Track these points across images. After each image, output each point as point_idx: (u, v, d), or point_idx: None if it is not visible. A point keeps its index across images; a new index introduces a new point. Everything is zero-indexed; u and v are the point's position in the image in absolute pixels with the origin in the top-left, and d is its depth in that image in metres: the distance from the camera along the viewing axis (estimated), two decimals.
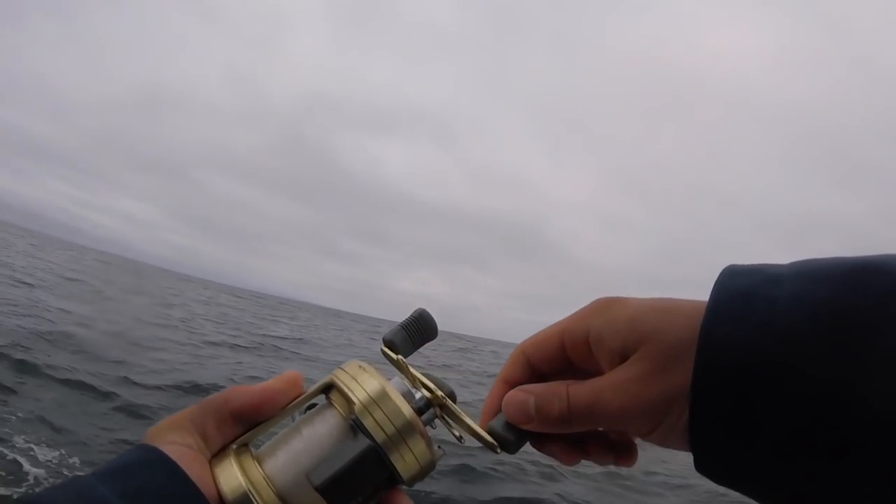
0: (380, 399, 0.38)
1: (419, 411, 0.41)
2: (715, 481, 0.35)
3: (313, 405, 0.41)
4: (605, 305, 0.40)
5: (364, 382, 0.38)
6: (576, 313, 0.41)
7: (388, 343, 0.45)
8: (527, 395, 0.40)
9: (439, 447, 0.40)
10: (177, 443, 0.36)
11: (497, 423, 0.41)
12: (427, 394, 0.42)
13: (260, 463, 0.37)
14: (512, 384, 0.42)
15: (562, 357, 0.41)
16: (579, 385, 0.39)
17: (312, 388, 0.40)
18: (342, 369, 0.40)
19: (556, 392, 0.39)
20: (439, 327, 0.47)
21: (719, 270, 0.36)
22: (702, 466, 0.35)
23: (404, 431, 0.37)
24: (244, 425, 0.39)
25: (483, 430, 0.41)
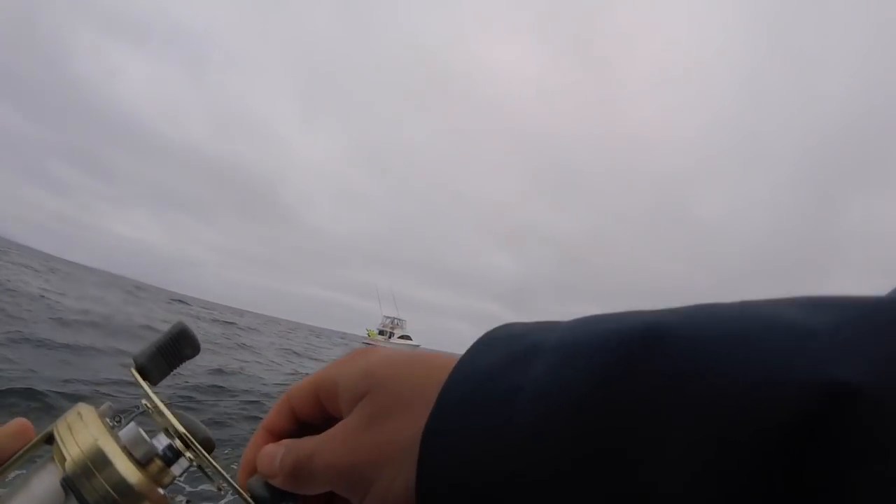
0: (94, 459, 0.33)
1: (166, 461, 0.36)
2: None
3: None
4: (353, 355, 0.37)
5: (78, 436, 0.34)
6: (332, 363, 0.38)
7: (140, 369, 0.39)
8: (278, 447, 0.36)
9: (188, 501, 0.37)
10: None
11: (256, 480, 0.37)
12: (177, 443, 0.36)
13: None
14: (273, 433, 0.39)
15: (319, 408, 0.38)
16: (309, 440, 0.35)
17: (34, 439, 0.36)
18: (64, 418, 0.36)
19: (297, 445, 0.35)
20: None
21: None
22: None
23: (125, 497, 0.33)
24: None
25: (241, 486, 0.37)
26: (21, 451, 0.36)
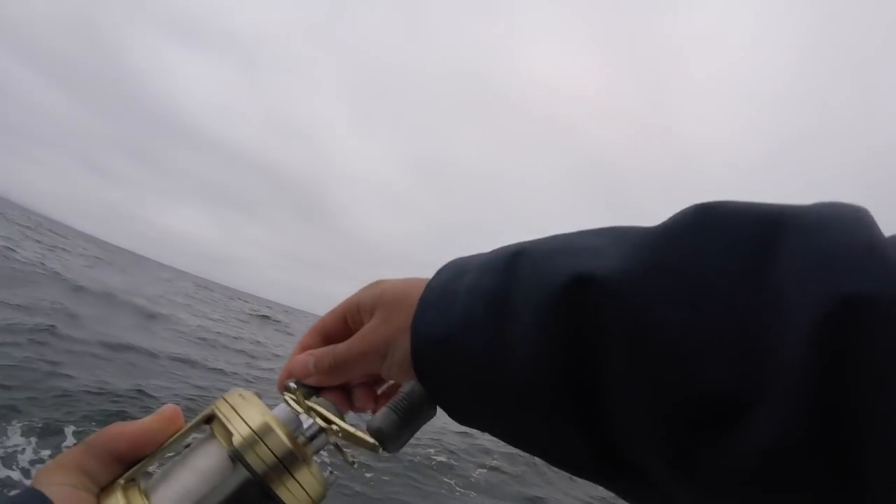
0: (261, 431, 0.38)
1: (309, 438, 0.42)
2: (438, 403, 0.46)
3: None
4: (373, 283, 0.52)
5: (244, 413, 0.39)
6: (356, 291, 0.52)
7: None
8: (308, 355, 0.51)
9: (331, 472, 0.41)
10: (62, 483, 0.36)
11: (292, 381, 0.50)
12: (319, 421, 0.43)
13: (147, 497, 0.37)
14: (306, 348, 0.53)
15: (346, 327, 0.52)
16: (341, 344, 0.50)
17: (194, 420, 0.40)
18: (224, 399, 0.40)
19: (327, 351, 0.50)
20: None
21: None
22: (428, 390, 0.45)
23: (288, 463, 0.38)
24: (127, 462, 0.39)
25: (279, 388, 0.49)
26: (187, 427, 0.41)
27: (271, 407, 0.42)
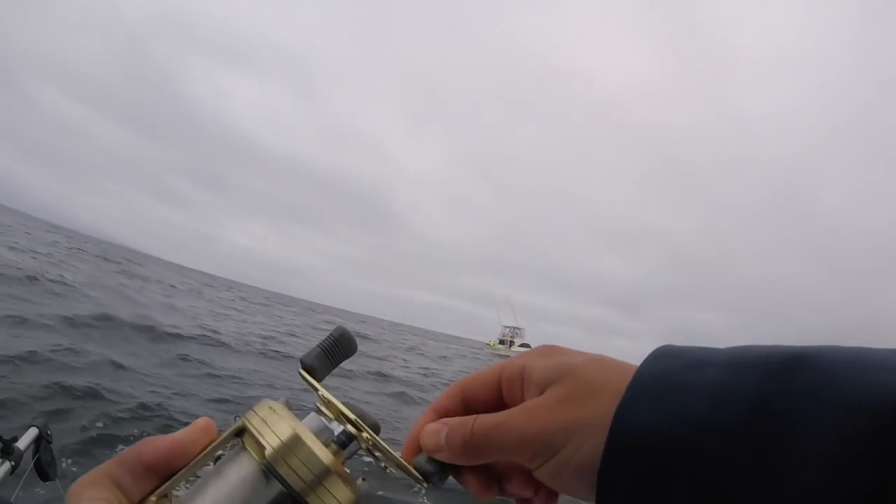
0: (292, 444, 0.37)
1: (341, 445, 0.41)
2: None
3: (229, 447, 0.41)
4: (545, 350, 0.42)
5: (275, 426, 0.38)
6: (519, 355, 0.43)
7: (307, 368, 0.44)
8: (441, 425, 0.41)
9: (363, 478, 0.39)
10: (95, 498, 0.36)
11: (422, 456, 0.42)
12: (350, 428, 0.41)
13: None
14: (440, 413, 0.44)
15: (496, 394, 0.43)
16: (487, 416, 0.40)
17: (225, 433, 0.40)
18: (254, 412, 0.39)
19: (465, 421, 0.41)
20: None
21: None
22: None
23: (320, 475, 0.37)
24: (160, 475, 0.38)
25: (408, 462, 0.42)
26: (218, 441, 0.39)
27: (301, 417, 0.40)
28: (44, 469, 1.56)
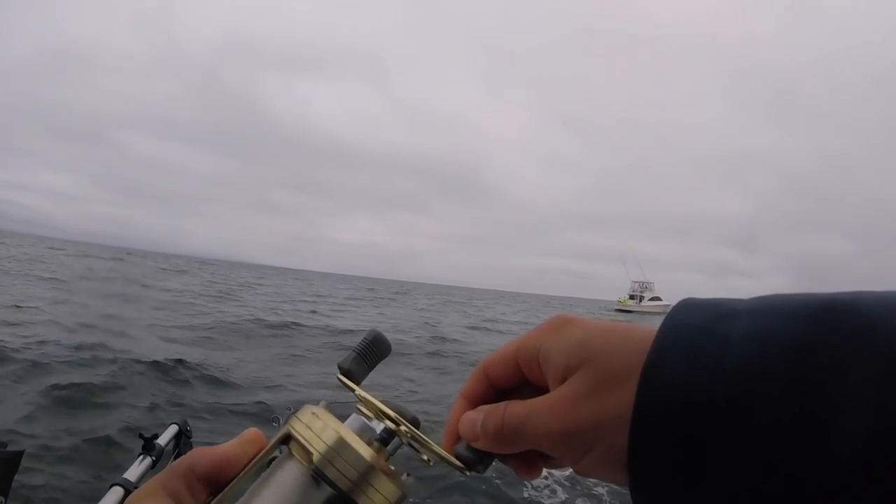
0: (338, 447, 0.38)
1: (383, 442, 0.42)
2: None
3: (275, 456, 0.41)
4: (558, 324, 0.40)
5: (320, 431, 0.39)
6: (532, 330, 0.42)
7: (345, 372, 0.46)
8: (478, 413, 0.42)
9: (408, 474, 0.40)
10: None
11: (462, 444, 0.43)
12: (390, 424, 0.42)
13: None
14: (471, 400, 0.44)
15: (518, 374, 0.42)
16: (517, 404, 0.40)
17: (271, 441, 0.41)
18: (297, 418, 0.40)
19: (496, 410, 0.40)
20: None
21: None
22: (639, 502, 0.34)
23: (367, 474, 0.38)
24: (213, 485, 0.40)
25: (449, 452, 0.43)
26: (266, 449, 0.41)
27: (343, 419, 0.41)
28: None
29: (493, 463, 0.43)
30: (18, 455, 1.56)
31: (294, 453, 0.39)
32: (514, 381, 0.43)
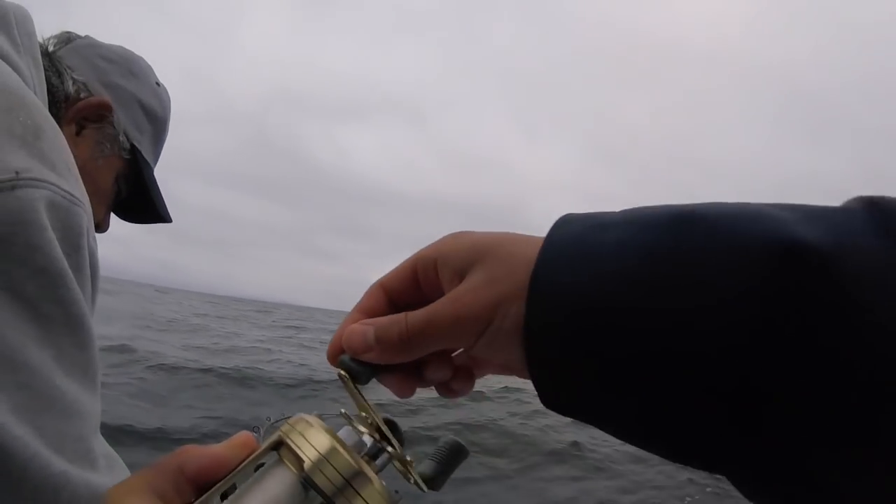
0: (329, 455, 0.38)
1: (372, 456, 0.42)
2: (541, 387, 0.38)
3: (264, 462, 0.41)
4: (452, 235, 0.43)
5: (312, 439, 0.39)
6: (427, 245, 0.44)
7: (347, 369, 0.45)
8: (367, 326, 0.42)
9: (396, 492, 0.40)
10: None
11: (346, 356, 0.43)
12: (379, 439, 0.42)
13: None
14: (367, 314, 0.44)
15: (415, 287, 0.44)
16: (417, 311, 0.41)
17: (263, 446, 0.40)
18: (290, 425, 0.40)
19: (396, 319, 0.41)
20: None
21: None
22: (534, 368, 0.38)
23: (356, 483, 0.38)
24: (201, 486, 0.39)
25: (332, 364, 0.44)
26: (256, 454, 0.40)
27: (336, 429, 0.41)
28: None
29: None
30: None
31: (284, 459, 0.39)
32: (410, 293, 0.44)
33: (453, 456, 0.46)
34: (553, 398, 0.38)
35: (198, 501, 0.38)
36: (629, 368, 0.34)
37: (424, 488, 0.43)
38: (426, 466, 0.45)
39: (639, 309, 0.33)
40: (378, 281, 0.45)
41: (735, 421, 0.32)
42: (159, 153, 1.15)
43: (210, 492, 0.38)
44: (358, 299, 0.46)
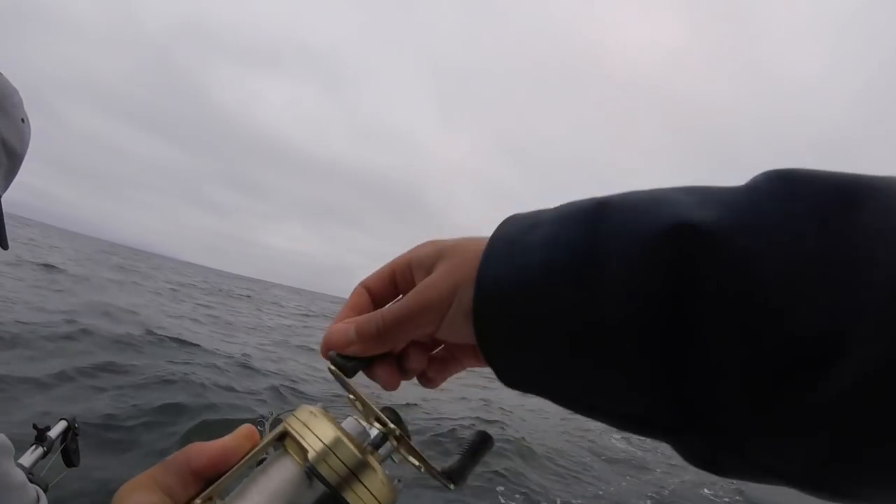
0: (333, 445, 0.39)
1: (376, 446, 0.43)
2: (495, 365, 0.44)
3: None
4: (425, 242, 0.50)
5: (316, 429, 0.40)
6: (405, 252, 0.51)
7: (341, 368, 0.48)
8: (348, 324, 0.48)
9: (398, 480, 0.42)
10: (143, 502, 0.37)
11: (333, 353, 0.48)
12: (383, 429, 0.44)
13: None
14: (355, 311, 0.51)
15: (394, 288, 0.51)
16: (390, 305, 0.48)
17: (267, 437, 0.42)
18: (294, 416, 0.41)
19: (373, 315, 0.48)
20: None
21: None
22: (484, 350, 0.43)
23: (359, 472, 0.39)
24: (206, 480, 0.40)
25: (325, 358, 0.48)
26: (261, 445, 0.41)
27: (340, 420, 0.43)
28: (69, 456, 1.80)
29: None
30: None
31: (289, 450, 0.40)
32: (390, 294, 0.51)
33: (476, 448, 0.48)
34: (505, 376, 0.44)
35: (202, 495, 0.39)
36: (550, 341, 0.39)
37: (450, 486, 0.45)
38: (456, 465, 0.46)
39: (554, 294, 0.38)
40: (362, 282, 0.52)
41: (655, 377, 0.36)
42: (9, 185, 1.22)
43: (215, 484, 0.39)
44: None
